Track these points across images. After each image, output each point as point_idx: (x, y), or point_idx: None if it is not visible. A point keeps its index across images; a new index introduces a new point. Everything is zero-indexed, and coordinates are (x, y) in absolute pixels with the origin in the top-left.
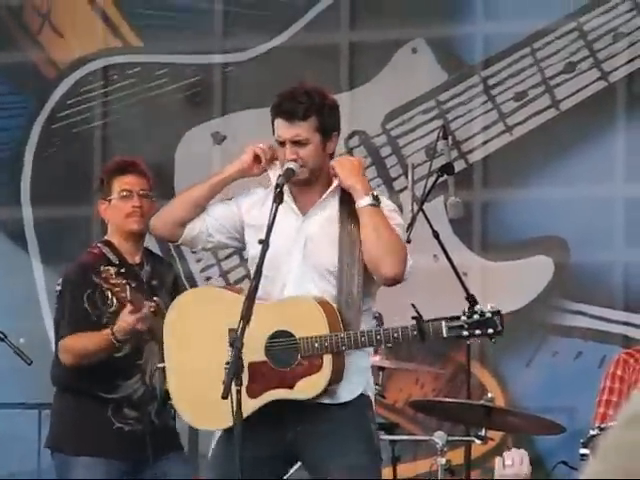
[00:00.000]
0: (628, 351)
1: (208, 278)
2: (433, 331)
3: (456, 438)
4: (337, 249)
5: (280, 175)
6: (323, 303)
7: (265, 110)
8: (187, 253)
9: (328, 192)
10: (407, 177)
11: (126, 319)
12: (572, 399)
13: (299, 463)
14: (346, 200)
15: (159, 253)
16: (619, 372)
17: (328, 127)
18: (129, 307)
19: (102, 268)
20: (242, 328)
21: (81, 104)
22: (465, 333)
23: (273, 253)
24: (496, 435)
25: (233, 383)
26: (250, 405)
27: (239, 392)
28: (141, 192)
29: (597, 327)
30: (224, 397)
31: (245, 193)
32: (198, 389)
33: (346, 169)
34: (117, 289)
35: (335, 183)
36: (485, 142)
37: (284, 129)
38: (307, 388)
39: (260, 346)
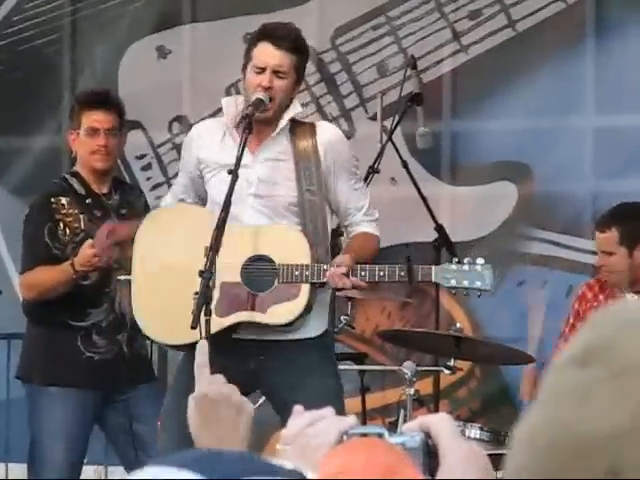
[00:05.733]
0: (589, 282)
1: (158, 197)
2: (422, 275)
3: (425, 368)
4: (295, 186)
5: (249, 105)
6: (306, 234)
7: (214, 23)
8: (137, 171)
9: (279, 129)
10: (359, 95)
11: (86, 252)
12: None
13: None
14: (298, 135)
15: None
16: (576, 306)
17: (302, 69)
18: (89, 241)
19: (53, 199)
20: (211, 259)
21: (26, 20)
22: (453, 282)
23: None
24: (465, 365)
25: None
26: (218, 323)
27: (208, 322)
28: (107, 130)
29: (564, 256)
30: (193, 327)
31: (193, 140)
32: (164, 303)
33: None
34: (69, 219)
35: (286, 119)
36: (439, 61)
37: (269, 55)
38: (280, 314)
39: (236, 267)
